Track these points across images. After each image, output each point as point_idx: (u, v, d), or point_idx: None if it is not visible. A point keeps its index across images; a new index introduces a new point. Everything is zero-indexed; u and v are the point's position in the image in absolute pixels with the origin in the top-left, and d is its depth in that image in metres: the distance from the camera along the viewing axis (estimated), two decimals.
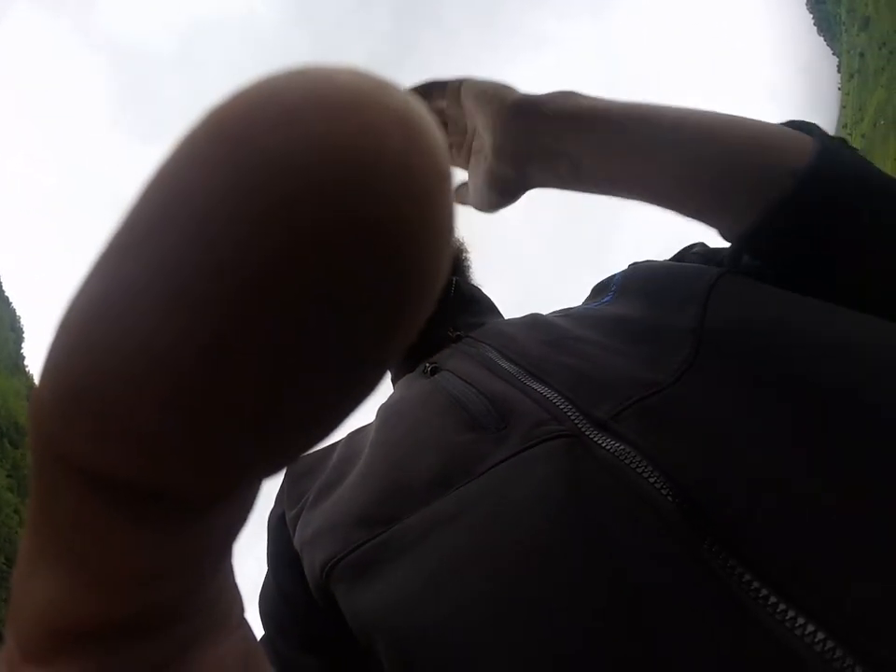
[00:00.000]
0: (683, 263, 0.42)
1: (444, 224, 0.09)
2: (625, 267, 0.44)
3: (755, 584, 0.21)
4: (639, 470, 0.25)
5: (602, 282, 0.44)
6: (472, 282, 0.52)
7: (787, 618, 0.20)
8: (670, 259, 0.44)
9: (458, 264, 0.51)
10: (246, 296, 0.08)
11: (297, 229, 0.08)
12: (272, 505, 0.40)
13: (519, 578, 0.24)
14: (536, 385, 0.32)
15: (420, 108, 0.09)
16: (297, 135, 0.08)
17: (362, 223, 0.08)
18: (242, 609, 0.15)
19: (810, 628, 0.20)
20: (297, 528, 0.36)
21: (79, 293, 0.09)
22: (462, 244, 0.52)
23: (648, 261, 0.44)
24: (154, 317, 0.09)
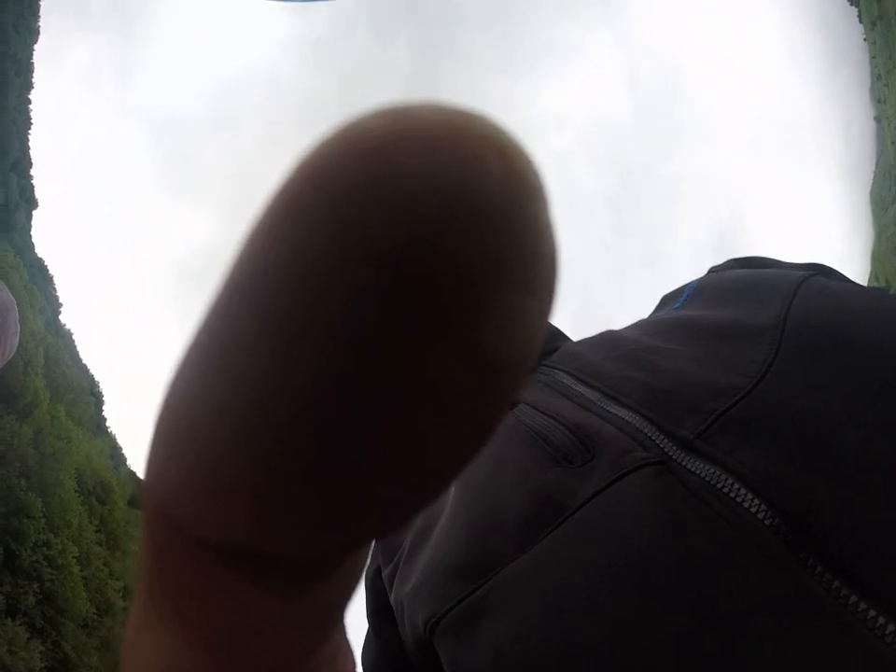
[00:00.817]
0: (769, 269, 0.41)
1: (549, 238, 0.09)
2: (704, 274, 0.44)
3: (862, 605, 0.20)
4: (732, 495, 0.25)
5: (674, 290, 0.44)
6: None
7: None
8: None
9: None
10: (358, 334, 0.08)
11: (419, 263, 0.08)
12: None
13: (624, 620, 0.24)
14: (615, 409, 0.31)
15: (510, 133, 0.09)
16: (391, 172, 0.08)
17: (476, 250, 0.08)
18: (353, 666, 0.16)
19: None
20: (394, 584, 0.36)
21: (184, 361, 0.09)
22: None
23: (729, 261, 0.44)
24: (259, 375, 0.08)
